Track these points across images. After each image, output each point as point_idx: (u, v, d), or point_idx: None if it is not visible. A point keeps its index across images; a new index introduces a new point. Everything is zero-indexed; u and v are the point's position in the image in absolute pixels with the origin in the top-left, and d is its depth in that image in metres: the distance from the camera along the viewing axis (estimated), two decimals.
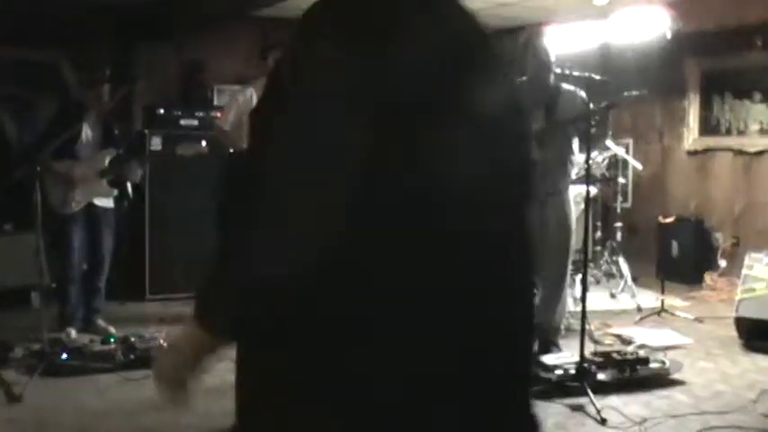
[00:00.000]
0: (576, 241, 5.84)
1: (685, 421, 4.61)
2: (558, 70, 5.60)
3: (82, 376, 5.36)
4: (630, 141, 9.15)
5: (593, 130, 5.27)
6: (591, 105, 5.29)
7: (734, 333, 6.25)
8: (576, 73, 5.63)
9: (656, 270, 8.09)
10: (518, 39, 6.32)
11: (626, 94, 5.83)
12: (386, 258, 1.50)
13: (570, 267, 5.88)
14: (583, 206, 6.42)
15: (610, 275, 8.10)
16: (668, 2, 7.48)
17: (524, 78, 5.68)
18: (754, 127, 8.09)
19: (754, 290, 6.19)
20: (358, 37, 1.49)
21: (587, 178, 5.25)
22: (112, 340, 5.84)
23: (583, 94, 5.55)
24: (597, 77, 5.62)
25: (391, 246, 1.49)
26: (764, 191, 7.96)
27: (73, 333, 6.27)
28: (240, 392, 1.66)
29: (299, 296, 1.46)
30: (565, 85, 5.66)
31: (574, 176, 6.08)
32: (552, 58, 5.59)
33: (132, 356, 5.56)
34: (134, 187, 6.66)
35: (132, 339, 5.76)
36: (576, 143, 5.67)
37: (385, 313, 1.51)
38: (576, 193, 6.28)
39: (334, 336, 1.50)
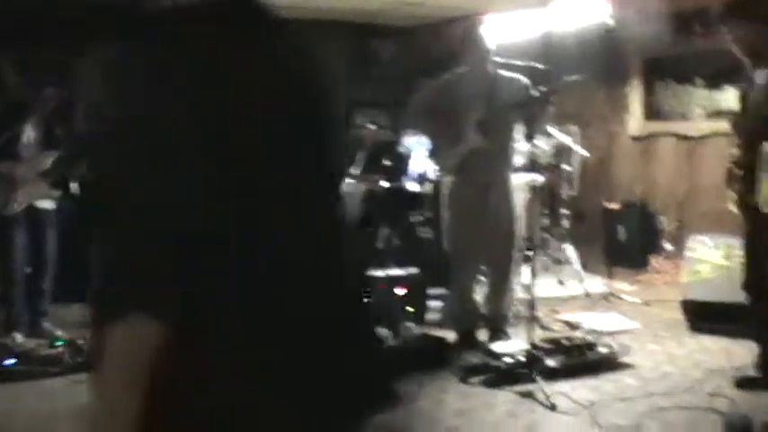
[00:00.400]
0: (522, 229, 5.87)
1: (633, 404, 4.67)
2: (499, 59, 5.63)
3: (29, 381, 5.28)
4: (576, 128, 9.20)
5: (534, 114, 5.31)
6: (532, 91, 5.33)
7: (680, 315, 6.33)
8: (518, 62, 5.66)
9: (604, 255, 8.16)
10: (457, 29, 6.34)
11: (565, 78, 5.85)
12: None
13: (517, 255, 5.91)
14: (529, 194, 6.47)
15: (557, 262, 8.15)
16: None
17: (464, 69, 5.70)
18: (697, 111, 8.20)
19: (698, 272, 6.25)
20: None
21: (532, 165, 5.29)
22: (60, 343, 5.75)
23: (524, 79, 5.58)
24: (539, 66, 5.66)
25: None
26: (707, 174, 8.03)
27: (19, 337, 6.16)
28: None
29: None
30: (504, 72, 5.68)
31: (519, 165, 6.11)
32: (491, 47, 5.62)
33: (80, 359, 5.47)
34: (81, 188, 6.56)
35: (80, 342, 5.67)
36: (518, 131, 5.69)
37: None
38: (522, 182, 6.32)
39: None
